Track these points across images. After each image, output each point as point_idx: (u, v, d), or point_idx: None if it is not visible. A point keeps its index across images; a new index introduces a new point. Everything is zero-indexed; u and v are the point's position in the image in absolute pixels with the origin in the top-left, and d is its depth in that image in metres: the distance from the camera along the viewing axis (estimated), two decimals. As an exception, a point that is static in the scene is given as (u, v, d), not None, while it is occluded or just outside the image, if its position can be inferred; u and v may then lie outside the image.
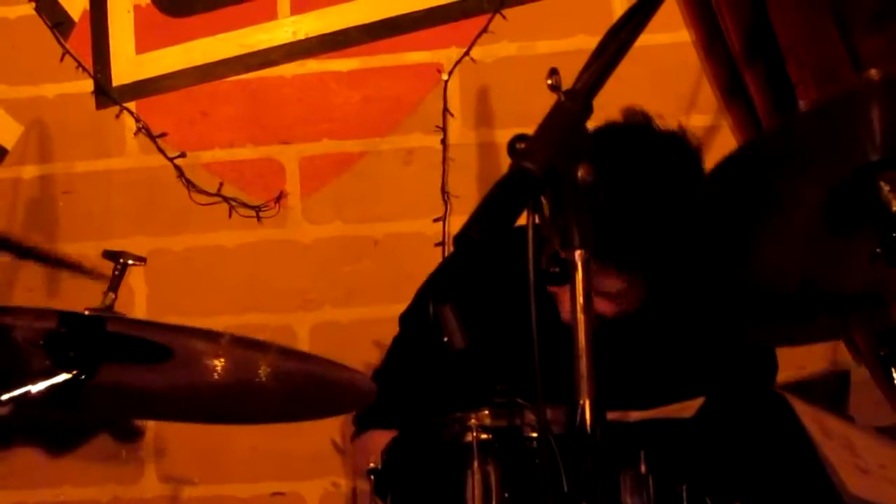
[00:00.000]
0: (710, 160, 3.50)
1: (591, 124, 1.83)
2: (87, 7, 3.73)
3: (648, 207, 2.53)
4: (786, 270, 2.11)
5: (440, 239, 3.56)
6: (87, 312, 2.38)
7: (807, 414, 1.80)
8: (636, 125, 2.84)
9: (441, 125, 3.59)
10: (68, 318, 2.36)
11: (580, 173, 1.76)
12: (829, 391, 3.45)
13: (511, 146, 1.94)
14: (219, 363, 2.53)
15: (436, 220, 3.57)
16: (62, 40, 3.72)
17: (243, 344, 2.47)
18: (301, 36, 3.68)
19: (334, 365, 2.48)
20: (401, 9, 3.62)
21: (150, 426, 3.68)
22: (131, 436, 3.68)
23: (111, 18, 3.73)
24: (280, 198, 3.67)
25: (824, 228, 2.08)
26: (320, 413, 3.03)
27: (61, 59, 3.71)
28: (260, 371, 2.55)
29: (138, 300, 3.67)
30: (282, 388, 2.61)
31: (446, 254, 3.51)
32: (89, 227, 3.71)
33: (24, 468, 3.71)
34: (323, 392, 2.64)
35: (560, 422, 1.96)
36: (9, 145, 3.75)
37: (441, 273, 3.13)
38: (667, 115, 3.51)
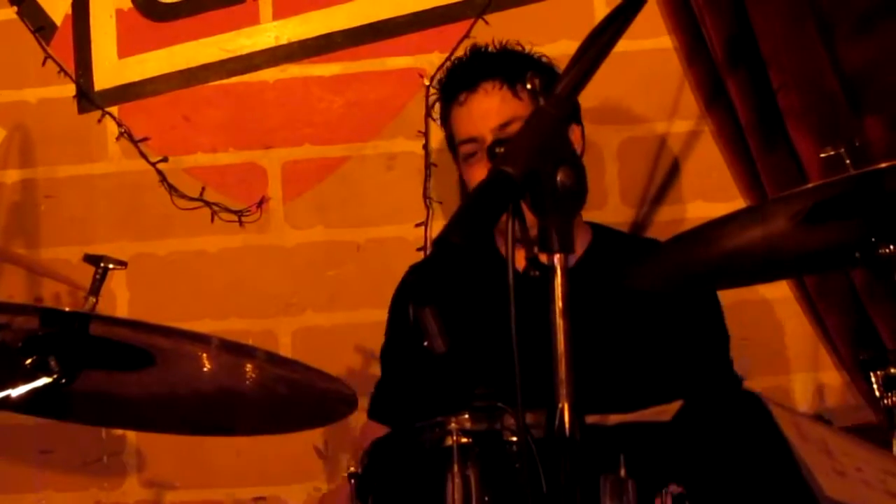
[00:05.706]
0: (693, 165, 3.53)
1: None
2: (70, 11, 3.72)
3: None
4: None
5: (422, 244, 3.56)
6: (67, 309, 2.37)
7: (784, 417, 1.80)
8: None
9: (423, 130, 3.59)
10: (50, 317, 2.35)
11: (560, 177, 1.77)
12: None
13: (491, 150, 1.95)
14: (204, 369, 2.52)
15: (418, 225, 3.57)
16: (44, 44, 3.71)
17: (231, 348, 2.45)
18: (283, 41, 3.68)
19: (319, 373, 2.47)
20: (383, 14, 3.62)
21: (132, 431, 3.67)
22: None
23: (93, 23, 3.72)
24: (262, 202, 3.66)
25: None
26: (302, 425, 3.02)
27: (43, 64, 3.71)
28: (245, 378, 2.54)
29: (120, 305, 3.66)
30: (265, 398, 2.60)
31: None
32: (71, 232, 3.70)
33: (5, 473, 3.70)
34: (305, 403, 2.63)
35: (540, 425, 1.97)
36: (-10, 150, 3.75)
37: (420, 276, 3.13)
38: (649, 119, 3.54)
